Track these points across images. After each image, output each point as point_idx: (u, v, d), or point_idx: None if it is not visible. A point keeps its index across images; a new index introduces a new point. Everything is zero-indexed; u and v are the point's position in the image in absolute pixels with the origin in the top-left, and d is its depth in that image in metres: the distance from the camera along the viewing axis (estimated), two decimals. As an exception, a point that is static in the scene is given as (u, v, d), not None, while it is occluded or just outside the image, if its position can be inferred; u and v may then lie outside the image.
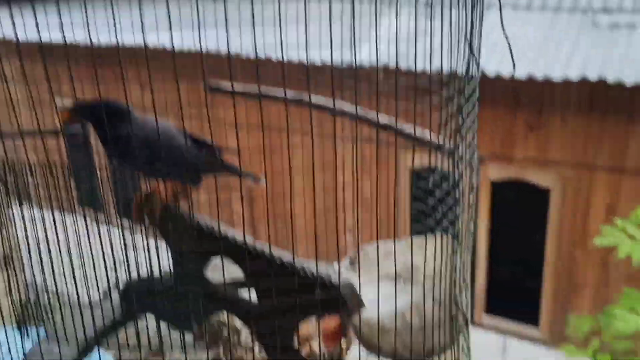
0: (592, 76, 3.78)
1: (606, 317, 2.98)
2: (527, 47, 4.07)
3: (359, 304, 1.18)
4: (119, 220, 1.60)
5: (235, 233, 1.30)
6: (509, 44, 1.17)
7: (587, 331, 3.13)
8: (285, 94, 1.40)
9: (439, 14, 1.08)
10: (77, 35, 1.14)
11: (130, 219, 1.33)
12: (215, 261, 1.36)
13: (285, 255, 1.24)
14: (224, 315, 1.50)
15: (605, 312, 3.00)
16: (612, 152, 4.22)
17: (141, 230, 1.32)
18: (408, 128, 1.34)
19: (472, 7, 1.10)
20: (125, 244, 1.13)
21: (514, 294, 4.95)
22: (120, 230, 1.33)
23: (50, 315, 1.13)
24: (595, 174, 4.31)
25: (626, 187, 4.26)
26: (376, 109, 1.41)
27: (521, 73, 3.95)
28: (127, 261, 1.22)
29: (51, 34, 1.13)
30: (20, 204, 1.07)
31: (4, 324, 1.21)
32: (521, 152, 4.48)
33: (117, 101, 1.26)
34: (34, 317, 1.11)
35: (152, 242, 1.26)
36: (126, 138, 1.20)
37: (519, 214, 4.77)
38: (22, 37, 1.11)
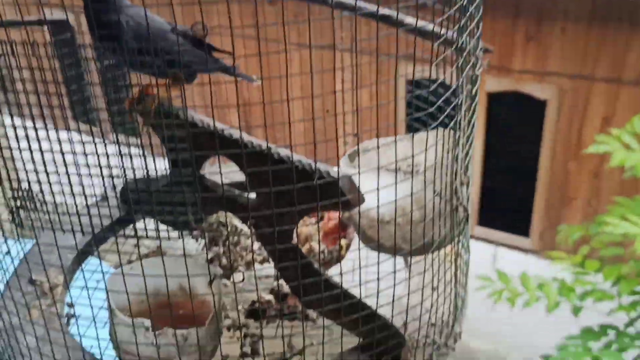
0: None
1: (597, 224, 3.02)
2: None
3: (358, 196, 1.17)
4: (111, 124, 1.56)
5: (232, 130, 1.27)
6: None
7: (576, 239, 3.18)
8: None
9: None
10: None
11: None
12: (212, 163, 1.34)
13: (282, 150, 1.22)
14: (222, 215, 1.50)
15: (596, 220, 3.04)
16: (611, 63, 4.15)
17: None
18: (409, 19, 1.28)
19: None
20: (120, 148, 1.10)
21: (506, 206, 5.02)
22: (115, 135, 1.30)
23: (45, 210, 1.11)
24: (593, 85, 4.26)
25: (623, 99, 4.22)
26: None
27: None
28: (123, 163, 1.19)
29: None
30: (5, 91, 1.03)
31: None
32: (519, 64, 4.40)
33: None
34: (28, 208, 1.10)
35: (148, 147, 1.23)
36: (116, 24, 1.15)
37: (514, 126, 4.75)
38: None
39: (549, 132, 4.50)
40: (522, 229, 4.94)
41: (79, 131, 1.24)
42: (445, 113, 1.09)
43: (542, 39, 4.27)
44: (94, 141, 1.14)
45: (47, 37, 1.30)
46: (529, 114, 4.56)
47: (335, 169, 1.21)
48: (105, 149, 1.17)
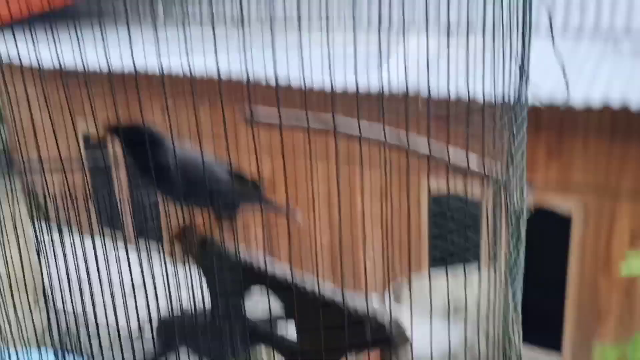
0: (615, 103, 3.74)
1: (634, 344, 2.91)
2: (547, 73, 4.05)
3: (405, 339, 1.13)
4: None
5: (276, 266, 1.25)
6: (563, 67, 1.14)
7: (613, 360, 3.04)
8: (334, 123, 1.33)
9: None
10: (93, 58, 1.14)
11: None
12: (254, 296, 1.31)
13: (329, 290, 1.20)
14: (263, 353, 1.45)
15: (632, 340, 2.93)
16: (635, 177, 4.15)
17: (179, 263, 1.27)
18: (451, 155, 1.29)
19: (523, 31, 1.07)
20: (167, 277, 1.09)
21: (536, 322, 4.84)
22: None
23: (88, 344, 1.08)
24: (619, 200, 4.24)
25: (650, 213, 4.18)
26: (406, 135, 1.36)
27: (543, 98, 3.92)
28: (169, 294, 1.17)
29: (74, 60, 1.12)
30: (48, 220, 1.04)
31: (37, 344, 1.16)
32: (542, 179, 4.42)
33: (152, 127, 1.23)
34: (71, 344, 1.07)
35: (188, 275, 1.21)
36: (163, 166, 1.17)
37: (539, 242, 4.69)
38: (44, 63, 1.10)
39: (575, 246, 4.43)
40: (554, 344, 4.73)
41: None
42: (499, 247, 1.07)
43: (564, 154, 4.31)
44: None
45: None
46: (553, 229, 4.51)
47: (376, 304, 1.18)
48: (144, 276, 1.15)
